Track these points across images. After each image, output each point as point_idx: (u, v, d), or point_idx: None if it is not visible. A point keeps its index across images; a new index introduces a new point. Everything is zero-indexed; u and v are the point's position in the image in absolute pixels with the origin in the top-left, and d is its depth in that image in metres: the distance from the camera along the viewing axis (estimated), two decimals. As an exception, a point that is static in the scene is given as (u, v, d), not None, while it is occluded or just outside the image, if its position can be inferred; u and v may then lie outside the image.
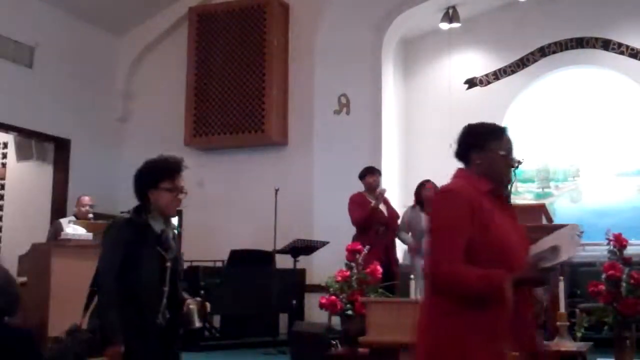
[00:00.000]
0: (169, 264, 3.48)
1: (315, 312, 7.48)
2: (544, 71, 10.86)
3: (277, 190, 8.95)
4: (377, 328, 4.98)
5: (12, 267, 6.59)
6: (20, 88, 9.67)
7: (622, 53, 10.43)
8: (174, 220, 12.91)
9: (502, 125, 2.71)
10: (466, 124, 2.73)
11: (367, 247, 6.04)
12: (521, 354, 2.42)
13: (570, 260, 2.50)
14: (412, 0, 10.39)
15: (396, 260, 7.87)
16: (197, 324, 3.60)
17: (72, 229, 7.23)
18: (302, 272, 8.95)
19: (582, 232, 5.67)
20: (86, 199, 8.11)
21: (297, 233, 8.77)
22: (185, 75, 10.53)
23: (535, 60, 10.85)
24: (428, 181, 7.81)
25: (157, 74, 11.14)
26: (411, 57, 11.58)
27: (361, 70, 10.34)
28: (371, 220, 7.68)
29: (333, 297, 5.72)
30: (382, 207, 7.91)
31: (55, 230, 7.68)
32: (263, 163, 10.23)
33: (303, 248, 8.59)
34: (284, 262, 8.82)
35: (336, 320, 6.08)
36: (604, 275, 4.86)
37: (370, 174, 8.04)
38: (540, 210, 6.28)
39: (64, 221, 7.86)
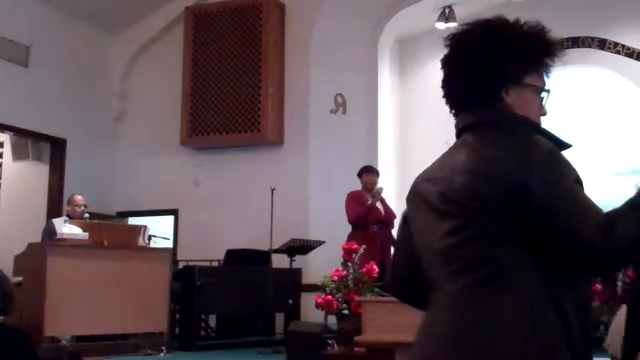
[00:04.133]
0: None
1: (311, 311, 7.49)
2: (540, 70, 10.87)
3: (273, 190, 8.95)
4: (373, 327, 4.98)
5: (8, 267, 6.57)
6: (15, 87, 9.65)
7: (618, 52, 10.44)
8: (168, 219, 12.70)
9: None
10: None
11: (364, 246, 6.05)
12: None
13: None
14: (409, -1, 10.43)
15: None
16: None
17: (68, 229, 7.21)
18: (298, 271, 8.94)
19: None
20: (79, 198, 8.05)
21: (293, 232, 8.77)
22: (181, 74, 10.51)
23: (531, 60, 10.86)
24: None
25: (152, 74, 11.12)
26: (407, 57, 11.59)
27: (357, 69, 10.34)
28: (367, 218, 7.73)
29: (329, 297, 5.73)
30: (379, 205, 7.95)
31: (49, 230, 7.64)
32: (259, 163, 10.22)
33: (299, 247, 8.59)
34: (280, 261, 8.83)
35: (332, 320, 6.09)
36: (599, 275, 4.87)
37: (367, 173, 8.13)
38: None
39: (57, 221, 7.82)
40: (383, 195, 8.20)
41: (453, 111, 1.79)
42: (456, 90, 1.77)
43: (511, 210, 1.54)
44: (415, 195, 1.77)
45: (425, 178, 1.75)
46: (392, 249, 8.02)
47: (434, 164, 1.78)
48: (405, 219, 1.85)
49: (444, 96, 1.79)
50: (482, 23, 1.77)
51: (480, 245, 1.57)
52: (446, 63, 1.77)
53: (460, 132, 1.76)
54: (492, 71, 1.72)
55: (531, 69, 1.77)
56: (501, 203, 1.55)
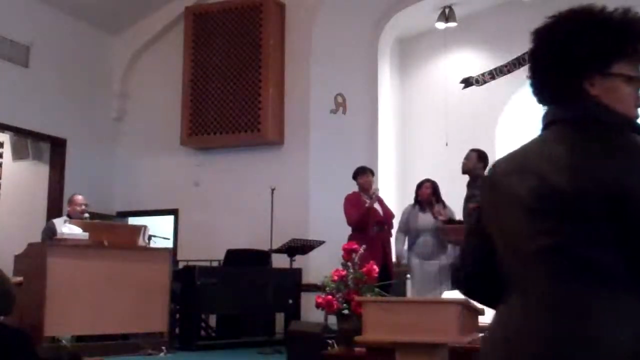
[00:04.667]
0: None
1: (311, 311, 7.47)
2: (540, 70, 10.86)
3: (273, 190, 8.94)
4: (374, 327, 4.97)
5: (8, 267, 6.57)
6: (16, 87, 9.65)
7: (618, 52, 10.44)
8: (168, 219, 12.68)
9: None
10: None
11: (364, 246, 6.04)
12: None
13: None
14: (409, -1, 10.43)
15: (391, 259, 7.88)
16: None
17: (68, 229, 7.21)
18: (299, 271, 8.94)
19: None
20: (80, 198, 8.05)
21: (293, 232, 8.77)
22: (181, 74, 10.51)
23: (531, 60, 10.85)
24: (428, 180, 7.83)
25: (153, 74, 11.12)
26: (407, 57, 11.59)
27: (357, 69, 10.34)
28: (367, 220, 7.71)
29: (329, 297, 5.71)
30: (377, 206, 7.93)
31: (49, 231, 7.65)
32: (259, 162, 10.22)
33: (299, 247, 8.59)
34: (280, 261, 8.83)
35: (332, 320, 6.08)
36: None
37: (362, 174, 8.09)
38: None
39: (57, 221, 7.82)
40: (382, 196, 8.19)
41: (542, 104, 1.72)
42: (540, 84, 1.71)
43: (609, 213, 1.47)
44: (495, 189, 1.67)
45: (508, 171, 1.64)
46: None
47: (512, 156, 1.68)
48: (477, 212, 1.76)
49: (533, 93, 1.73)
50: (563, 13, 1.69)
51: (577, 247, 1.50)
52: (530, 56, 1.73)
53: (547, 124, 1.67)
54: (573, 61, 1.63)
55: (620, 57, 1.63)
56: (600, 205, 1.48)
